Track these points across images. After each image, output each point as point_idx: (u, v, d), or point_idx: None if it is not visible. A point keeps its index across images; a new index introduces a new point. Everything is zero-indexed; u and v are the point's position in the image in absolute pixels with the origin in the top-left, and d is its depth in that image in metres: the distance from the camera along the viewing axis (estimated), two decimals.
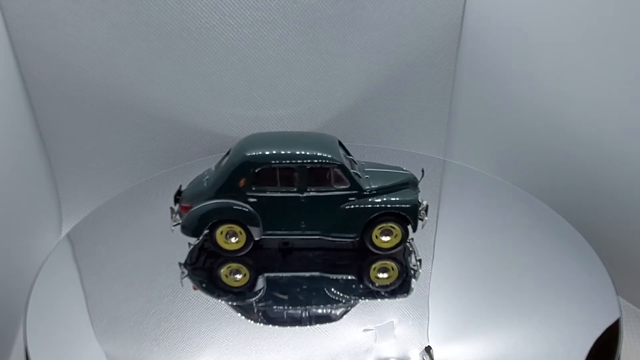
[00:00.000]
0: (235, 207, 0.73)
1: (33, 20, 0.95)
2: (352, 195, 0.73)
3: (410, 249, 0.78)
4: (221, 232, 0.74)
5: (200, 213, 0.73)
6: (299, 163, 0.71)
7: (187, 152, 1.13)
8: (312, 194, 0.73)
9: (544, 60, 0.98)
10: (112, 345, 0.62)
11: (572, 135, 0.95)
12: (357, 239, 0.75)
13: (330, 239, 0.75)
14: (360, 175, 0.75)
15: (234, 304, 0.69)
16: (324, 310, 0.68)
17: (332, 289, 0.70)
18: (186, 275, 0.74)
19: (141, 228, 0.86)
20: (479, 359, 0.61)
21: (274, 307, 0.68)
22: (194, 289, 0.71)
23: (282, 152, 0.72)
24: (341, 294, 0.69)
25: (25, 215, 0.94)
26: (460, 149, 1.26)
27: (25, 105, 1.00)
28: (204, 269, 0.75)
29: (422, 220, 0.75)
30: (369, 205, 0.73)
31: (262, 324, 0.66)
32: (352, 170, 0.73)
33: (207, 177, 0.76)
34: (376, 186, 0.74)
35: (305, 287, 0.71)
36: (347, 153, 0.78)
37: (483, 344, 0.63)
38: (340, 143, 0.77)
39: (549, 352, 0.61)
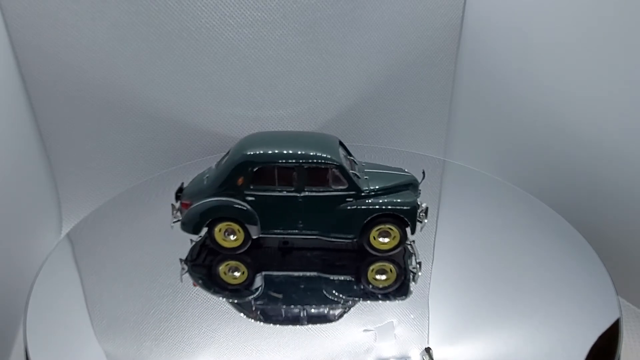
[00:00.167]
0: (233, 205, 0.73)
1: (33, 20, 0.95)
2: (350, 196, 0.73)
3: (411, 251, 0.78)
4: (220, 230, 0.75)
5: (199, 210, 0.74)
6: (297, 163, 0.71)
7: (187, 152, 1.13)
8: (309, 193, 0.73)
9: (544, 60, 0.98)
10: (112, 345, 0.62)
11: (572, 135, 0.95)
12: (355, 240, 0.75)
13: (328, 239, 0.75)
14: (360, 176, 0.75)
15: (232, 301, 0.69)
16: (324, 311, 0.68)
17: (331, 290, 0.70)
18: (186, 272, 0.74)
19: (141, 228, 0.86)
20: (479, 359, 0.61)
21: (274, 307, 0.68)
22: (194, 285, 0.72)
23: (280, 152, 0.72)
24: (340, 294, 0.69)
25: (25, 215, 0.94)
26: (460, 149, 1.26)
27: (25, 105, 1.00)
28: (204, 265, 0.75)
29: (421, 222, 0.75)
30: (367, 207, 0.73)
31: (262, 324, 0.66)
32: (351, 171, 0.73)
33: (208, 175, 0.77)
34: (375, 187, 0.74)
35: (303, 286, 0.71)
36: (349, 154, 0.78)
37: (483, 344, 0.63)
38: (341, 143, 0.77)
39: (549, 352, 0.61)
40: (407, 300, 0.69)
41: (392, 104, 1.22)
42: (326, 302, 0.69)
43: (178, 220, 0.76)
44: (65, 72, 1.01)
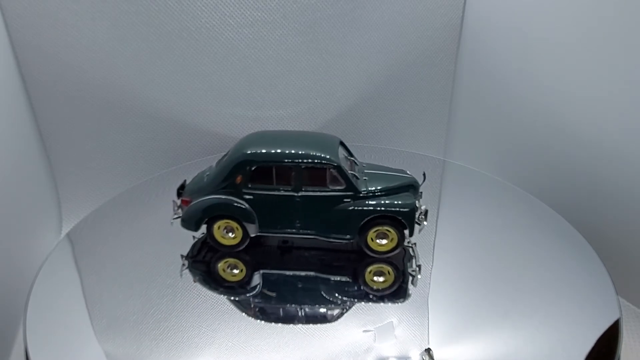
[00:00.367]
0: (231, 203, 0.73)
1: (33, 20, 0.95)
2: (347, 197, 0.73)
3: (412, 253, 0.77)
4: (218, 227, 0.75)
5: (198, 208, 0.74)
6: (295, 162, 0.71)
7: (187, 152, 1.13)
8: (307, 193, 0.73)
9: (544, 60, 0.98)
10: (112, 345, 0.62)
11: (572, 135, 0.95)
12: (352, 241, 0.74)
13: (325, 239, 0.75)
14: (358, 177, 0.74)
15: (232, 299, 0.69)
16: (324, 310, 0.68)
17: (331, 290, 0.70)
18: (186, 267, 0.74)
19: (141, 228, 0.86)
20: (479, 359, 0.61)
21: (274, 307, 0.68)
22: (194, 281, 0.72)
23: (278, 151, 0.72)
24: (339, 295, 0.69)
25: (25, 215, 0.94)
26: (460, 149, 1.26)
27: (25, 105, 1.00)
28: (204, 262, 0.76)
29: (419, 224, 0.74)
30: (364, 208, 0.73)
31: (262, 325, 0.66)
32: (349, 172, 0.73)
33: (208, 173, 0.77)
34: (374, 188, 0.74)
35: (301, 285, 0.71)
36: (350, 154, 0.78)
37: (483, 344, 0.63)
38: (343, 144, 0.77)
39: (549, 352, 0.61)
40: (407, 300, 0.69)
41: (392, 104, 1.22)
42: (326, 302, 0.69)
43: (178, 217, 0.76)
44: (65, 72, 1.01)
